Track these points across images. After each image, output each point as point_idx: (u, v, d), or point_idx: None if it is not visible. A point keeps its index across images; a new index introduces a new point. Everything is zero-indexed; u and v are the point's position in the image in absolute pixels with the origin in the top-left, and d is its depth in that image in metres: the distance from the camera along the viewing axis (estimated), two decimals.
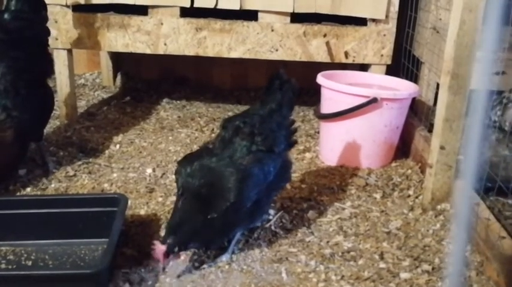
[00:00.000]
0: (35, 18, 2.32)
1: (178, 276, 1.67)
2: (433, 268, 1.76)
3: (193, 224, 1.60)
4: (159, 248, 1.55)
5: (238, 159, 1.68)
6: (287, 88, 1.88)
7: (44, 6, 2.40)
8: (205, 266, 1.73)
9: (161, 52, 2.86)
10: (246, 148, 1.70)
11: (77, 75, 3.55)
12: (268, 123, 1.79)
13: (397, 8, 2.75)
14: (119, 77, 3.74)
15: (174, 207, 1.69)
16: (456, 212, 0.69)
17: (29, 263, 1.74)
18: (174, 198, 2.11)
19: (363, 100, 2.40)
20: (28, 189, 2.18)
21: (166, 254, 1.56)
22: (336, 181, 2.38)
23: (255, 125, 1.75)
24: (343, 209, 2.14)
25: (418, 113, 2.79)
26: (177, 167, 1.72)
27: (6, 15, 2.22)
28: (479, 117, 0.61)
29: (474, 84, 2.02)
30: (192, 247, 1.69)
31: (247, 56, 2.85)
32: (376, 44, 2.79)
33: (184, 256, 1.73)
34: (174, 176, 1.76)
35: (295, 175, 2.40)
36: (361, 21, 2.80)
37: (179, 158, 2.50)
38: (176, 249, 1.58)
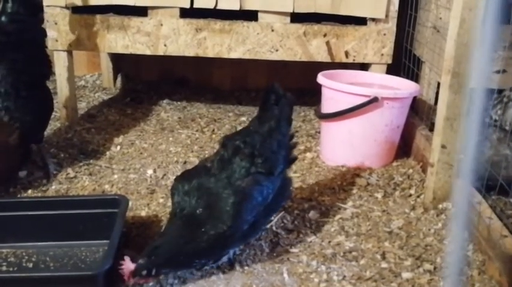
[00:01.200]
0: (32, 20, 2.32)
1: None
2: (435, 268, 1.76)
3: (175, 252, 1.54)
4: (127, 266, 1.49)
5: (237, 180, 1.64)
6: (283, 103, 1.81)
7: (40, 8, 2.42)
8: (206, 267, 1.73)
9: (161, 53, 2.86)
10: (245, 169, 1.65)
11: (77, 76, 3.55)
12: (269, 143, 1.74)
13: (397, 7, 2.75)
14: (119, 79, 3.74)
15: (165, 225, 1.65)
16: (455, 211, 0.70)
17: (30, 265, 1.75)
18: None
19: (364, 99, 2.40)
20: (29, 191, 2.19)
21: (133, 275, 1.50)
22: (337, 181, 2.38)
23: (256, 145, 1.70)
24: (345, 209, 2.14)
25: (419, 112, 2.79)
26: (174, 183, 1.69)
27: (3, 18, 2.23)
28: (477, 116, 0.61)
29: (474, 82, 2.02)
30: (164, 272, 1.62)
31: (247, 56, 2.85)
32: (376, 43, 2.79)
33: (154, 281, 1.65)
34: (171, 188, 1.72)
35: (296, 175, 2.40)
36: (361, 21, 2.80)
37: (180, 159, 2.53)
38: (145, 273, 1.51)
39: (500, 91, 2.14)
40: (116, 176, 2.35)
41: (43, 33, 2.41)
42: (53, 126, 2.87)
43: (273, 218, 2.02)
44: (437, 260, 1.81)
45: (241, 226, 1.62)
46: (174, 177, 1.81)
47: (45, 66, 2.39)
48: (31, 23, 2.31)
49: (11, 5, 2.23)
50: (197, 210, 1.59)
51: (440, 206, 2.12)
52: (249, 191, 1.63)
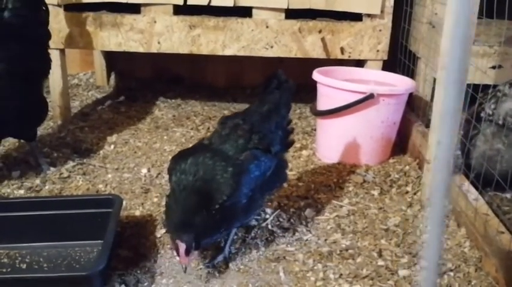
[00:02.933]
0: (34, 16, 2.36)
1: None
2: None
3: (199, 219, 1.56)
4: (182, 247, 1.53)
5: (235, 154, 1.68)
6: (285, 88, 1.89)
7: (43, 5, 2.45)
8: (201, 266, 1.73)
9: (155, 51, 2.85)
10: (243, 144, 1.70)
11: (70, 75, 3.54)
12: (267, 123, 1.80)
13: (392, 3, 2.75)
14: (112, 77, 3.74)
15: (169, 204, 1.64)
16: (431, 205, 0.70)
17: (24, 266, 1.74)
18: None
19: (360, 96, 2.40)
20: (21, 191, 2.18)
21: (187, 252, 1.54)
22: (333, 179, 2.38)
23: (254, 123, 1.76)
24: (341, 206, 2.15)
25: (416, 109, 2.80)
26: (171, 163, 1.71)
27: (5, 13, 2.28)
28: (455, 106, 0.62)
29: (471, 78, 2.03)
30: (205, 242, 1.65)
31: (242, 53, 2.84)
32: (371, 39, 2.79)
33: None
34: (168, 168, 1.73)
35: (292, 173, 2.40)
36: (356, 17, 2.80)
37: None
38: (194, 245, 1.55)
39: (495, 86, 2.14)
40: (109, 175, 2.35)
41: (47, 32, 2.45)
42: (46, 125, 2.86)
43: (268, 215, 2.02)
44: None
45: (241, 197, 1.65)
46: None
47: (45, 65, 2.42)
48: (32, 19, 2.34)
49: (13, 1, 2.28)
50: (196, 183, 1.60)
51: None
52: (247, 164, 1.67)
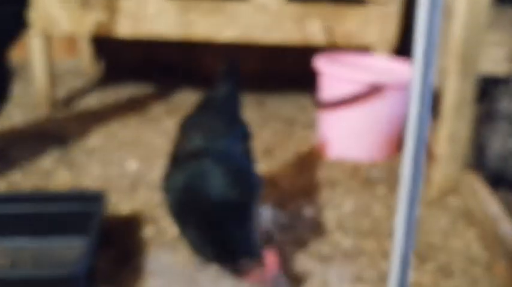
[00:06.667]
0: None
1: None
2: (438, 266, 1.77)
3: (234, 237, 1.52)
4: (253, 273, 1.46)
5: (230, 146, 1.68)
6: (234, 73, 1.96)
7: None
8: (193, 266, 1.74)
9: (145, 36, 2.85)
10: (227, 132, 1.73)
11: (54, 63, 3.54)
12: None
13: None
14: (100, 65, 3.73)
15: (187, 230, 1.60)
16: (403, 186, 0.71)
17: (7, 264, 1.75)
18: (159, 195, 2.12)
19: (365, 86, 2.40)
20: (2, 185, 2.18)
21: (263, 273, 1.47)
22: (335, 175, 2.39)
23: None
24: (343, 204, 2.15)
25: None
26: (164, 187, 1.65)
27: None
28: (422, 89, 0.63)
29: (484, 68, 2.03)
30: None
31: (239, 39, 2.84)
32: (378, 25, 2.79)
33: None
34: (159, 172, 1.75)
35: (291, 169, 2.41)
36: (361, 1, 2.80)
37: (166, 152, 2.52)
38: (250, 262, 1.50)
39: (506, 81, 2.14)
40: (96, 169, 2.35)
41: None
42: (28, 115, 2.86)
43: (266, 213, 2.03)
44: (442, 258, 1.82)
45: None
46: (161, 173, 1.80)
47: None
48: None
49: None
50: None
51: (445, 201, 2.13)
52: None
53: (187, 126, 1.78)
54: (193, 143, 1.67)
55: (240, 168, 1.64)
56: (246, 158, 1.70)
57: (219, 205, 1.52)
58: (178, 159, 1.70)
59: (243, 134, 1.78)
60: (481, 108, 2.17)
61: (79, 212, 1.83)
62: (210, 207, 1.52)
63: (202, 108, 1.87)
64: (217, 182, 1.53)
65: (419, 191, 0.72)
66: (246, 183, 1.60)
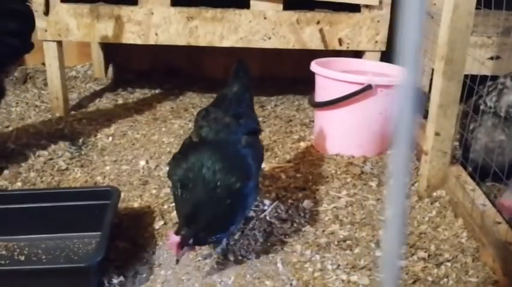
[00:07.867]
0: None
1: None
2: (429, 255, 1.77)
3: (208, 215, 1.54)
4: (173, 238, 1.50)
5: (234, 143, 1.69)
6: (245, 73, 1.97)
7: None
8: (199, 257, 1.74)
9: (152, 42, 2.84)
10: (236, 131, 1.73)
11: (67, 67, 3.53)
12: (241, 107, 1.89)
13: None
14: (110, 69, 3.72)
15: (176, 201, 1.64)
16: (392, 179, 0.71)
17: (22, 258, 1.75)
18: (167, 190, 2.12)
19: (358, 87, 2.40)
20: (19, 183, 2.18)
21: (180, 246, 1.50)
22: (331, 170, 2.39)
23: (234, 109, 1.84)
24: (339, 197, 2.15)
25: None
26: (171, 168, 1.68)
27: None
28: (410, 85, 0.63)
29: (469, 69, 2.02)
30: (211, 241, 1.65)
31: (239, 44, 2.84)
32: (370, 30, 2.79)
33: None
34: (167, 168, 1.75)
35: (290, 165, 2.41)
36: (354, 8, 2.79)
37: (173, 150, 2.52)
38: (191, 241, 1.52)
39: (494, 78, 2.14)
40: (108, 167, 2.35)
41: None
42: (43, 117, 2.86)
43: (267, 206, 2.03)
44: (432, 247, 1.82)
45: (250, 183, 1.66)
46: (167, 167, 1.81)
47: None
48: None
49: None
50: (206, 176, 1.59)
51: (434, 194, 2.13)
52: (250, 150, 1.71)
53: (199, 119, 1.81)
54: (199, 133, 1.73)
55: (235, 156, 1.66)
56: (246, 148, 1.70)
57: (212, 186, 1.57)
58: (184, 147, 1.78)
59: (247, 127, 1.78)
60: (467, 105, 2.17)
61: (92, 207, 1.83)
62: (204, 187, 1.57)
63: (215, 103, 1.92)
64: (212, 166, 1.58)
65: (407, 184, 0.71)
66: (238, 168, 1.62)
